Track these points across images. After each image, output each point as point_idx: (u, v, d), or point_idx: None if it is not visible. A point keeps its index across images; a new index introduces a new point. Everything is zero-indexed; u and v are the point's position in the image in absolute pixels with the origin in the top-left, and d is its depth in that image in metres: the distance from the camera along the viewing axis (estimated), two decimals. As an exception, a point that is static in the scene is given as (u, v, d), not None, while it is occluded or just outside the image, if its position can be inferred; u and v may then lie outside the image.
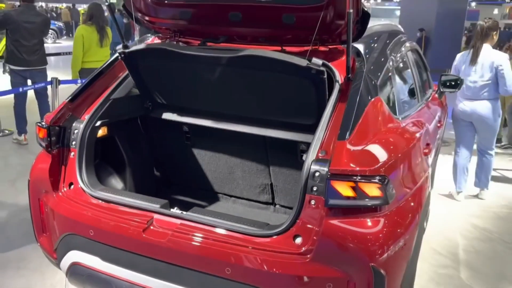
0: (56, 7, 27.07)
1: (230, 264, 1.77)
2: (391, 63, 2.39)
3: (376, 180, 1.66)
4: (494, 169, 5.34)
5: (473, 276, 3.23)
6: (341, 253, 1.67)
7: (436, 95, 3.88)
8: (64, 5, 28.05)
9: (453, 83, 3.97)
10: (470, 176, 4.64)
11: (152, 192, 2.48)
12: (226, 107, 2.49)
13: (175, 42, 2.51)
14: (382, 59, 2.32)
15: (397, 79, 2.50)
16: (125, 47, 2.33)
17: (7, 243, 3.38)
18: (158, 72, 2.49)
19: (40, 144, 2.34)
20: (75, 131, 2.26)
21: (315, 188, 1.72)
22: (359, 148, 1.76)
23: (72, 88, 2.54)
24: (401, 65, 2.76)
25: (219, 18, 2.29)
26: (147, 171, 2.89)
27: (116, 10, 10.13)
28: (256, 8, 2.16)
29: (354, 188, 1.65)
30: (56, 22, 21.01)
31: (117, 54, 2.41)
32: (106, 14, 6.14)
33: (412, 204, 1.94)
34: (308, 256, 1.70)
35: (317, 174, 1.71)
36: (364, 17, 1.98)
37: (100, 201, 2.12)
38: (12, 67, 5.58)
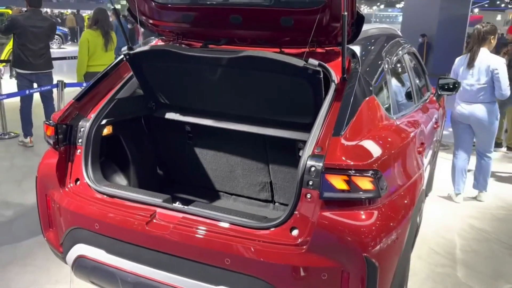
0: (62, 13, 27.28)
1: (230, 255, 1.83)
2: (386, 65, 2.47)
3: (369, 174, 1.74)
4: (493, 172, 5.41)
5: (470, 275, 3.29)
6: (335, 244, 1.74)
7: (434, 98, 3.96)
8: (69, 11, 28.30)
9: (451, 86, 4.06)
10: (469, 179, 4.70)
11: (155, 190, 2.56)
12: (226, 107, 2.57)
13: (178, 44, 2.60)
14: (378, 61, 2.40)
15: (393, 80, 2.58)
16: (130, 48, 2.42)
17: (14, 240, 3.46)
18: (162, 73, 2.58)
19: (47, 142, 2.43)
20: (82, 129, 2.35)
21: (311, 183, 1.79)
22: (353, 143, 1.84)
23: (77, 91, 2.64)
24: (396, 67, 2.84)
25: (220, 21, 2.38)
26: (150, 169, 2.97)
27: (121, 16, 10.29)
28: (256, 11, 2.26)
29: (347, 182, 1.73)
30: (61, 28, 21.21)
31: (122, 56, 2.50)
32: (111, 19, 6.26)
33: (404, 198, 2.02)
34: (304, 247, 1.77)
35: (312, 169, 1.79)
36: (358, 19, 2.06)
37: (105, 196, 2.20)
38: (19, 70, 5.69)
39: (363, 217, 1.76)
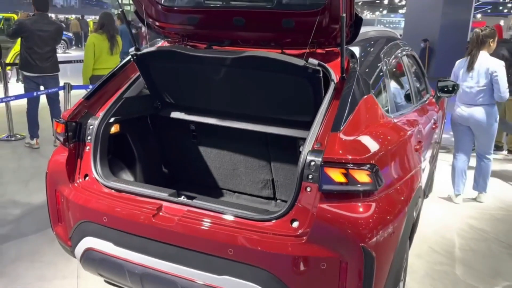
0: (67, 18, 27.50)
1: (233, 246, 1.91)
2: (384, 66, 2.55)
3: (366, 168, 1.82)
4: (493, 174, 5.47)
5: (468, 273, 3.35)
6: (334, 235, 1.81)
7: (434, 100, 4.04)
8: (73, 16, 28.54)
9: (450, 88, 4.15)
10: (469, 180, 4.77)
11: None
12: (230, 106, 2.66)
13: (183, 46, 2.69)
14: (376, 62, 2.48)
15: (391, 81, 2.66)
16: (137, 49, 2.51)
17: (22, 238, 3.55)
18: (167, 73, 2.67)
19: (57, 138, 2.52)
20: (91, 127, 2.43)
21: (310, 176, 1.87)
22: (351, 138, 1.91)
23: (83, 94, 2.73)
24: (395, 68, 2.93)
25: (223, 23, 2.47)
26: (155, 167, 3.06)
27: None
28: (258, 13, 2.34)
29: (345, 175, 1.80)
30: (66, 33, 21.40)
31: (129, 56, 2.59)
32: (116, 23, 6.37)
33: (401, 193, 2.09)
34: (304, 238, 1.84)
35: (312, 163, 1.87)
36: (357, 21, 2.14)
37: (113, 190, 2.28)
38: (26, 73, 5.80)
39: (361, 209, 1.84)
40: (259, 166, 2.84)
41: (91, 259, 2.31)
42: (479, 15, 42.68)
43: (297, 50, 2.37)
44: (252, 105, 2.58)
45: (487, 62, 4.25)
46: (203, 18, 2.52)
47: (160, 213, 2.09)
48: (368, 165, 1.83)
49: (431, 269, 3.37)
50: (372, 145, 1.96)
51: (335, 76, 2.15)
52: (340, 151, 1.83)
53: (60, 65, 6.10)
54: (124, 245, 2.16)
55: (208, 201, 2.15)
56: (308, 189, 1.88)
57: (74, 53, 20.23)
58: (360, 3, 45.43)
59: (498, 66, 4.23)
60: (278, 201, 2.93)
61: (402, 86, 3.03)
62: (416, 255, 3.54)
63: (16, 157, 5.65)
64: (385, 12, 53.63)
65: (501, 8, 43.89)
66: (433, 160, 4.09)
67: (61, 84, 5.96)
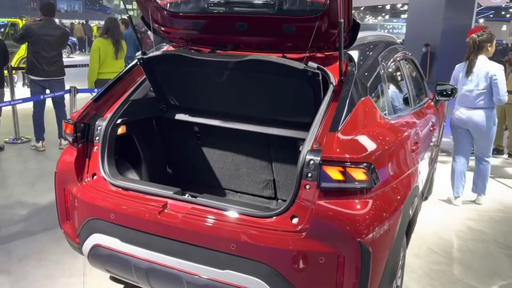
0: (72, 23, 27.69)
1: (235, 241, 1.99)
2: (382, 69, 2.64)
3: (363, 166, 1.90)
4: (492, 177, 5.54)
5: (465, 272, 3.41)
6: (332, 230, 1.88)
7: (432, 103, 4.12)
8: (77, 21, 28.73)
9: (449, 92, 4.23)
10: (468, 182, 4.84)
11: None
12: (232, 108, 2.74)
13: (188, 50, 2.78)
14: (374, 65, 2.57)
15: (388, 83, 2.74)
16: (144, 53, 2.61)
17: (29, 238, 3.63)
18: (172, 76, 2.76)
19: (66, 139, 2.61)
20: (99, 128, 2.52)
21: (309, 175, 1.95)
22: (348, 138, 2.00)
23: (88, 97, 2.82)
24: (392, 71, 3.01)
25: (227, 28, 2.56)
26: (160, 167, 3.15)
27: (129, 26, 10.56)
28: (260, 19, 2.43)
29: (343, 173, 1.88)
30: (70, 38, 21.57)
31: (136, 60, 2.68)
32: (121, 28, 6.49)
33: (397, 191, 2.17)
34: (303, 233, 1.92)
35: (311, 162, 1.95)
36: (354, 26, 2.23)
37: (120, 189, 2.36)
38: (32, 77, 5.90)
39: (358, 206, 1.91)
40: (260, 167, 2.92)
41: (99, 255, 2.39)
42: (481, 20, 42.78)
43: (297, 54, 2.45)
44: (254, 107, 2.66)
45: (487, 66, 4.33)
46: (207, 23, 2.61)
47: (166, 210, 2.18)
48: (365, 164, 1.91)
49: (429, 268, 3.44)
50: (369, 144, 2.05)
51: (334, 79, 2.24)
52: (338, 150, 1.91)
53: (65, 69, 6.21)
54: (130, 241, 2.23)
55: (211, 198, 2.23)
56: (307, 186, 1.96)
57: (78, 57, 20.39)
58: (362, 8, 45.60)
59: (498, 70, 4.31)
60: (279, 200, 3.00)
61: (399, 89, 3.11)
62: (415, 255, 3.61)
63: (22, 159, 5.75)
64: (387, 17, 53.77)
65: (503, 13, 43.98)
66: (432, 162, 4.15)
67: (67, 87, 6.07)
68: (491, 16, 42.64)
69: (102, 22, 6.29)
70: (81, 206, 2.43)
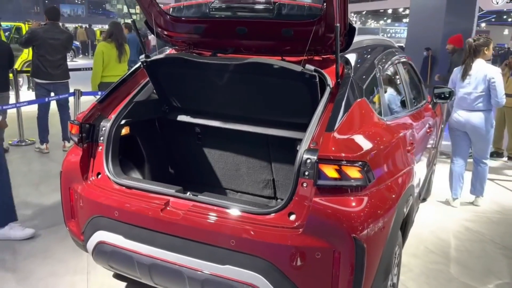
0: (76, 27, 27.84)
1: (235, 237, 2.06)
2: (378, 72, 2.71)
3: (357, 165, 1.97)
4: (491, 179, 5.61)
5: (462, 271, 3.47)
6: (327, 226, 1.95)
7: (430, 106, 4.20)
8: (80, 25, 28.89)
9: (447, 95, 4.31)
10: (466, 184, 4.90)
11: None
12: (233, 109, 2.83)
13: (190, 53, 2.86)
14: (370, 68, 2.64)
15: (384, 86, 2.82)
16: (147, 56, 2.69)
17: (34, 238, 3.70)
18: (175, 79, 2.85)
19: (71, 139, 2.69)
20: (103, 128, 2.60)
21: (306, 173, 2.03)
22: (344, 137, 2.07)
23: (92, 100, 2.90)
24: (389, 74, 3.09)
25: (227, 32, 2.65)
26: (162, 167, 3.22)
27: (132, 31, 10.66)
28: (260, 23, 2.51)
29: (338, 171, 1.96)
30: (74, 42, 21.70)
31: (139, 63, 2.77)
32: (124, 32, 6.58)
33: (391, 189, 2.23)
34: (300, 229, 1.99)
35: (308, 161, 2.03)
36: (350, 30, 2.31)
37: (124, 187, 2.44)
38: (37, 80, 6.00)
39: (353, 203, 1.98)
40: (260, 167, 3.00)
41: (103, 252, 2.46)
42: (483, 24, 42.85)
43: (296, 57, 2.53)
44: (254, 108, 2.74)
45: (485, 69, 4.41)
46: (208, 27, 2.70)
47: (168, 208, 2.25)
48: (360, 162, 1.98)
49: (426, 268, 3.50)
50: (364, 144, 2.12)
51: (331, 81, 2.32)
52: (334, 149, 1.99)
53: (70, 73, 6.30)
54: (133, 238, 2.30)
55: (212, 196, 2.31)
56: (305, 184, 2.03)
57: (81, 61, 20.54)
58: (364, 12, 45.74)
59: (496, 73, 4.38)
60: (279, 200, 3.07)
61: (396, 92, 3.19)
62: (412, 255, 3.67)
63: (26, 161, 5.83)
64: (389, 21, 53.91)
65: (505, 17, 44.05)
66: (430, 164, 4.22)
67: (71, 90, 6.16)
68: (493, 20, 42.72)
69: (105, 26, 6.38)
70: (86, 204, 2.50)
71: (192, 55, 2.67)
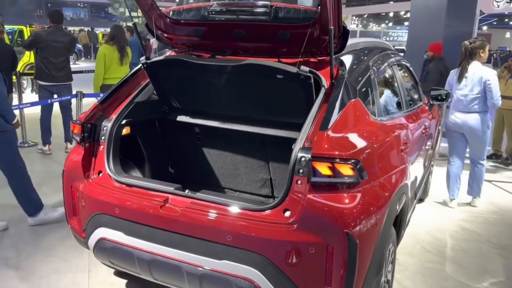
0: (81, 30, 27.96)
1: (231, 233, 2.12)
2: (372, 73, 2.78)
3: (350, 162, 2.03)
4: (489, 180, 5.65)
5: (457, 270, 3.52)
6: (321, 222, 2.01)
7: (427, 107, 4.26)
8: (83, 28, 29.01)
9: (444, 96, 4.38)
10: (464, 185, 4.95)
11: None
12: (231, 110, 2.89)
13: (189, 55, 2.93)
14: (364, 69, 2.71)
15: (379, 87, 2.88)
16: (147, 58, 2.76)
17: (36, 236, 3.78)
18: (174, 80, 2.92)
19: (74, 138, 2.76)
20: (104, 128, 2.67)
21: (301, 171, 2.09)
22: (337, 136, 2.14)
23: (94, 102, 2.98)
24: (383, 76, 3.15)
25: (226, 35, 2.71)
26: (162, 167, 3.29)
27: (134, 34, 10.73)
28: (257, 26, 2.58)
29: (331, 168, 2.02)
30: (76, 45, 21.81)
31: (140, 65, 2.84)
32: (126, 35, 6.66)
33: (384, 187, 2.29)
34: (295, 225, 2.05)
35: (302, 159, 2.09)
36: (344, 33, 2.38)
37: (124, 185, 2.51)
38: (41, 82, 6.07)
39: (346, 200, 2.04)
40: (258, 166, 3.06)
41: (104, 248, 2.52)
42: (485, 27, 42.88)
43: (292, 59, 2.59)
44: (251, 108, 2.81)
45: (481, 71, 4.47)
46: (207, 30, 2.77)
47: (167, 205, 2.31)
48: (352, 160, 2.04)
49: (422, 266, 3.55)
50: (356, 142, 2.19)
51: (325, 82, 2.38)
52: (327, 147, 2.05)
53: (72, 75, 6.38)
54: (133, 234, 2.36)
55: (210, 194, 2.37)
56: (299, 182, 2.09)
57: (83, 64, 20.65)
58: (366, 16, 45.82)
59: (491, 75, 4.45)
60: (276, 199, 3.13)
61: (390, 93, 3.25)
62: (408, 254, 3.73)
63: (29, 162, 5.80)
64: (391, 24, 54.00)
65: (506, 20, 44.08)
66: (427, 164, 4.28)
67: (73, 93, 6.24)
68: (495, 23, 42.73)
69: (108, 30, 6.48)
70: (88, 202, 2.56)
71: (191, 57, 2.74)
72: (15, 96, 6.49)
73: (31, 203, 3.95)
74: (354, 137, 2.22)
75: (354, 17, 42.31)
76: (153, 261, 2.32)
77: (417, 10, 14.41)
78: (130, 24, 17.87)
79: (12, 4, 36.62)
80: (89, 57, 24.03)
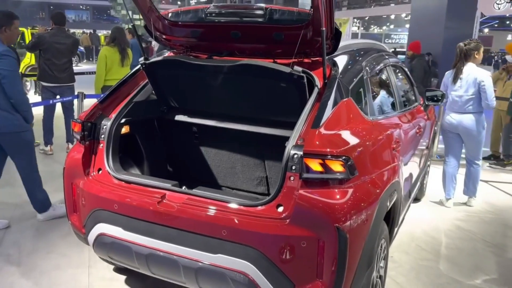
0: (84, 32, 28.10)
1: (226, 227, 2.19)
2: (365, 74, 2.84)
3: (340, 159, 2.10)
4: (485, 180, 5.71)
5: (451, 268, 3.58)
6: (312, 217, 2.08)
7: (422, 108, 4.32)
8: (85, 31, 29.16)
9: (439, 97, 4.45)
10: (460, 185, 5.02)
11: None
12: (227, 109, 2.97)
13: (187, 56, 3.01)
14: (357, 70, 2.78)
15: (372, 87, 2.95)
16: (146, 59, 2.84)
17: (38, 234, 3.85)
18: (172, 80, 2.99)
19: (74, 137, 2.84)
20: (104, 127, 2.75)
21: (293, 167, 2.16)
22: (328, 133, 2.20)
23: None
24: (377, 76, 3.22)
25: (222, 36, 2.79)
26: (160, 165, 3.36)
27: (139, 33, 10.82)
28: (252, 28, 2.66)
29: (322, 165, 2.09)
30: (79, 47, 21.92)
31: (139, 65, 2.92)
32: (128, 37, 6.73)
33: (375, 183, 2.36)
34: (288, 220, 2.12)
35: (295, 156, 2.15)
36: (337, 34, 2.45)
37: (123, 182, 2.58)
38: (44, 83, 6.15)
39: (337, 195, 2.11)
40: (254, 164, 3.13)
41: (103, 243, 2.59)
42: (486, 30, 42.92)
43: (286, 59, 2.66)
44: (247, 108, 2.89)
45: (475, 73, 4.54)
46: (204, 31, 2.84)
47: (164, 201, 2.38)
48: (343, 157, 2.11)
49: (416, 264, 3.61)
50: (347, 140, 2.25)
51: (318, 82, 2.45)
52: (318, 143, 2.12)
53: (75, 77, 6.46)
54: (132, 230, 2.43)
55: (206, 190, 2.44)
56: (292, 178, 2.16)
57: (85, 66, 20.76)
58: (367, 18, 45.90)
59: (486, 76, 4.51)
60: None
61: (384, 93, 3.32)
62: (403, 252, 3.79)
63: (31, 162, 5.96)
64: (392, 26, 54.09)
65: (508, 22, 44.12)
66: (422, 164, 4.33)
67: (75, 93, 6.31)
68: (496, 25, 42.79)
69: (110, 32, 6.55)
70: (88, 198, 2.64)
71: (188, 58, 2.81)
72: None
73: (42, 200, 4.11)
74: (345, 135, 2.28)
75: (355, 20, 42.43)
76: (151, 256, 2.39)
77: (417, 12, 14.48)
78: (131, 26, 17.96)
79: (15, 7, 36.81)
80: (91, 59, 24.15)
